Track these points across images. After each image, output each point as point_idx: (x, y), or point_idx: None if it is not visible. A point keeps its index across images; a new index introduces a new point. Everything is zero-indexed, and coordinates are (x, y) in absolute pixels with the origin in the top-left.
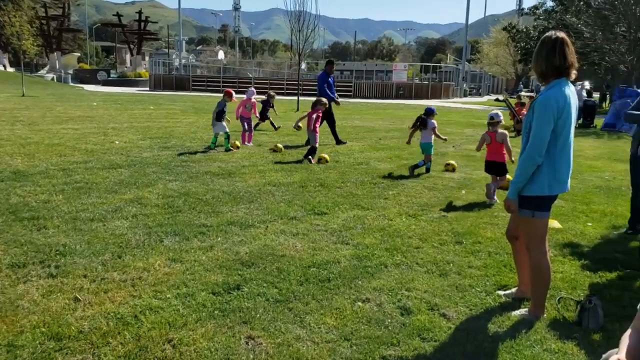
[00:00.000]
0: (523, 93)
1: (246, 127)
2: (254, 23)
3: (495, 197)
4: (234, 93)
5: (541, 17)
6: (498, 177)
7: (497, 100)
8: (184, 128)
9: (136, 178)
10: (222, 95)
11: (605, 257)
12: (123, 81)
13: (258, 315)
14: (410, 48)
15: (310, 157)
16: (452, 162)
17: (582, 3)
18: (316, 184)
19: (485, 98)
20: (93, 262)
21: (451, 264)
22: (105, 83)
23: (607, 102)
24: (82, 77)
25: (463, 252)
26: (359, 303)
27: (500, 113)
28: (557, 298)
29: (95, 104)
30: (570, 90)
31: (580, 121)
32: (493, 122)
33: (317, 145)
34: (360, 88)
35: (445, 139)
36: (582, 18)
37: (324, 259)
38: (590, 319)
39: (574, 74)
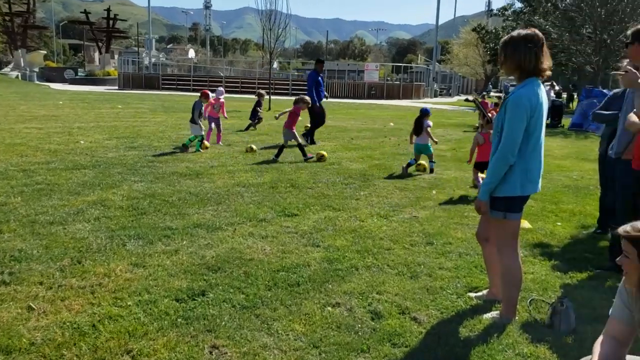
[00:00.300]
0: (492, 93)
1: (213, 126)
2: (225, 22)
3: None
4: (210, 94)
5: (510, 19)
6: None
7: (466, 100)
8: (152, 127)
9: (100, 179)
10: (199, 95)
11: (575, 257)
12: (91, 80)
13: (223, 323)
14: (382, 48)
15: (306, 156)
16: (423, 162)
17: (549, 5)
18: (287, 185)
19: (455, 98)
20: (50, 268)
21: (422, 266)
22: (73, 81)
23: (574, 102)
24: (49, 75)
25: (434, 253)
26: (329, 308)
27: (489, 114)
28: (529, 300)
29: (61, 102)
30: (541, 90)
31: (548, 121)
32: (485, 122)
33: (302, 142)
34: (333, 88)
35: (436, 142)
36: (550, 19)
37: (293, 262)
38: (562, 321)
39: (547, 74)
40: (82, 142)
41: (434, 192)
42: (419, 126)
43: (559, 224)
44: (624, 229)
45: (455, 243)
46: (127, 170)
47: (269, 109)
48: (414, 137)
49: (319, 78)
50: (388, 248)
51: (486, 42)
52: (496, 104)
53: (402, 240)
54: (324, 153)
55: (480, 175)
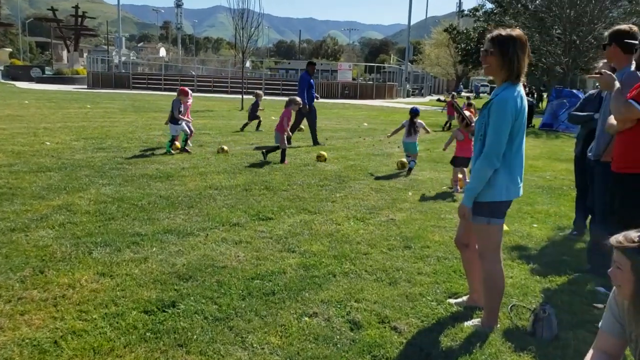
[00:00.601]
0: (463, 93)
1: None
2: (197, 20)
3: (459, 188)
4: (190, 91)
5: (481, 19)
6: (465, 169)
7: (438, 100)
8: (121, 128)
9: (67, 182)
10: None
11: (553, 260)
12: (59, 78)
13: (195, 337)
14: (354, 48)
15: (284, 158)
16: (324, 153)
17: (519, 5)
18: (261, 187)
19: (428, 98)
20: (10, 279)
21: (400, 271)
22: (40, 80)
23: (544, 102)
24: (14, 73)
25: (412, 258)
26: (306, 318)
27: (467, 113)
28: (510, 306)
29: (27, 102)
30: (522, 92)
31: None
32: (464, 120)
33: (286, 146)
34: None
35: (429, 132)
36: (520, 20)
37: (268, 269)
38: (544, 328)
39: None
40: (48, 143)
41: (410, 193)
42: (414, 126)
43: (535, 225)
44: (617, 239)
45: (433, 247)
46: (94, 172)
47: (241, 108)
48: (404, 136)
49: (311, 80)
50: (365, 253)
51: (458, 43)
52: (469, 104)
53: (380, 244)
54: (324, 153)
55: (460, 175)
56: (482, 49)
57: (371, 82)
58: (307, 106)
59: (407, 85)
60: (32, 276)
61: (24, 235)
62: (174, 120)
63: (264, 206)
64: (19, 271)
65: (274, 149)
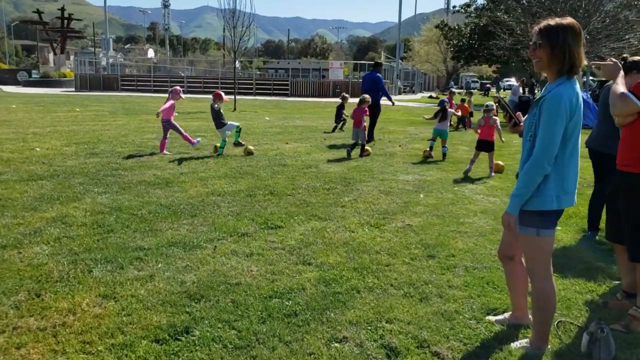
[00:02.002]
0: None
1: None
2: (184, 21)
3: (493, 174)
4: (223, 94)
5: (472, 15)
6: (488, 153)
7: (430, 97)
8: (113, 131)
9: (60, 191)
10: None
11: (588, 267)
12: (46, 82)
13: None
14: (343, 46)
15: (364, 153)
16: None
17: (510, 1)
18: (265, 192)
19: (419, 95)
20: (3, 305)
21: (429, 285)
22: (27, 84)
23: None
24: (0, 77)
25: (438, 269)
26: (336, 344)
27: (493, 103)
28: (556, 322)
29: (14, 106)
30: (579, 88)
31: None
32: (488, 109)
33: (365, 141)
34: (298, 86)
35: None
36: (515, 15)
37: (286, 285)
38: (601, 350)
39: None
40: (38, 149)
41: (421, 195)
42: (445, 114)
43: (559, 228)
44: None
45: (458, 255)
46: (89, 180)
47: (234, 109)
48: (436, 122)
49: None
50: (387, 264)
51: (449, 39)
52: (462, 100)
53: (401, 253)
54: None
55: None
56: (530, 42)
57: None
58: (377, 103)
59: (399, 83)
60: (28, 300)
61: (16, 253)
62: (220, 124)
63: (271, 213)
64: (12, 295)
65: (354, 145)
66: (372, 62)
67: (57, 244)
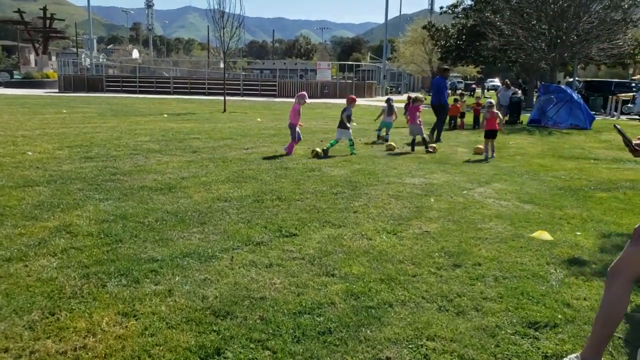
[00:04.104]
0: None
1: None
2: (167, 21)
3: (494, 154)
4: (355, 98)
5: (460, 15)
6: (490, 140)
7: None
8: (105, 134)
9: (59, 198)
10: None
11: None
12: (28, 82)
13: None
14: (327, 47)
15: (428, 148)
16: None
17: (499, 2)
18: (273, 197)
19: (405, 96)
20: (16, 326)
21: (464, 297)
22: (8, 85)
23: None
24: None
25: (468, 279)
26: None
27: (492, 100)
28: None
29: None
30: None
31: (507, 117)
32: (490, 105)
33: (424, 135)
34: (285, 87)
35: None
36: (505, 15)
37: (313, 300)
38: None
39: None
40: (30, 153)
41: (432, 199)
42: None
43: (579, 233)
44: None
45: (485, 264)
46: (88, 185)
47: (224, 110)
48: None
49: (446, 82)
50: (414, 274)
51: (437, 40)
52: (455, 100)
53: (425, 262)
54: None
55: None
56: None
57: (350, 81)
58: (446, 105)
59: (385, 84)
60: (42, 320)
61: (22, 266)
62: (344, 126)
63: (282, 220)
64: (25, 314)
65: (414, 141)
66: (441, 68)
67: (64, 255)
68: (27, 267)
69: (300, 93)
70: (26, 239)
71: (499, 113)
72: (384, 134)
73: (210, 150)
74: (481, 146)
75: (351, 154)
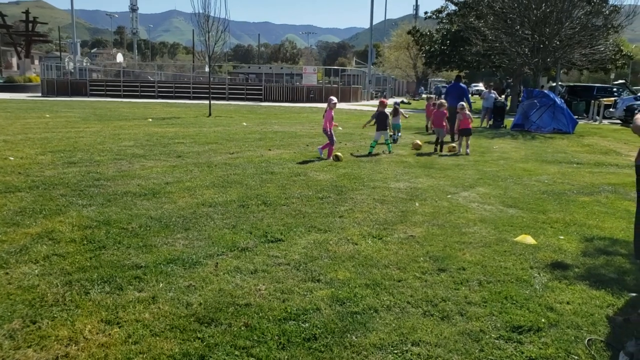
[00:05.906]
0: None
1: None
2: (152, 25)
3: (468, 150)
4: (387, 101)
5: (444, 21)
6: (465, 137)
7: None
8: (89, 139)
9: (42, 204)
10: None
11: (601, 280)
12: (10, 86)
13: None
14: (313, 51)
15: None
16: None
17: (482, 7)
18: (258, 202)
19: (391, 101)
20: None
21: (447, 302)
22: None
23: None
24: None
25: (452, 284)
26: None
27: (464, 104)
28: (586, 341)
29: None
30: None
31: (491, 122)
32: (461, 108)
33: (443, 137)
34: (271, 91)
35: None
36: (489, 21)
37: (299, 306)
38: None
39: None
40: (11, 158)
41: (417, 204)
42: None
43: (562, 237)
44: None
45: (469, 268)
46: (71, 191)
47: (209, 114)
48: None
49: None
50: (399, 279)
51: (421, 45)
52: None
53: (410, 267)
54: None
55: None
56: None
57: (336, 86)
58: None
59: (371, 88)
60: (23, 329)
61: (3, 274)
62: (383, 127)
63: (268, 225)
64: (5, 322)
65: (437, 141)
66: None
67: (46, 262)
68: (8, 275)
69: (330, 97)
70: (7, 246)
71: (470, 114)
72: (388, 135)
73: (195, 155)
74: (455, 145)
75: (389, 152)
